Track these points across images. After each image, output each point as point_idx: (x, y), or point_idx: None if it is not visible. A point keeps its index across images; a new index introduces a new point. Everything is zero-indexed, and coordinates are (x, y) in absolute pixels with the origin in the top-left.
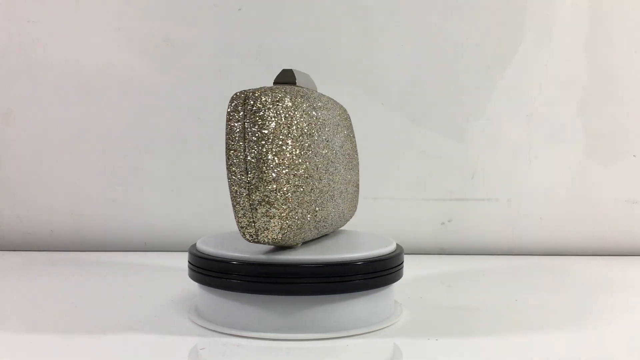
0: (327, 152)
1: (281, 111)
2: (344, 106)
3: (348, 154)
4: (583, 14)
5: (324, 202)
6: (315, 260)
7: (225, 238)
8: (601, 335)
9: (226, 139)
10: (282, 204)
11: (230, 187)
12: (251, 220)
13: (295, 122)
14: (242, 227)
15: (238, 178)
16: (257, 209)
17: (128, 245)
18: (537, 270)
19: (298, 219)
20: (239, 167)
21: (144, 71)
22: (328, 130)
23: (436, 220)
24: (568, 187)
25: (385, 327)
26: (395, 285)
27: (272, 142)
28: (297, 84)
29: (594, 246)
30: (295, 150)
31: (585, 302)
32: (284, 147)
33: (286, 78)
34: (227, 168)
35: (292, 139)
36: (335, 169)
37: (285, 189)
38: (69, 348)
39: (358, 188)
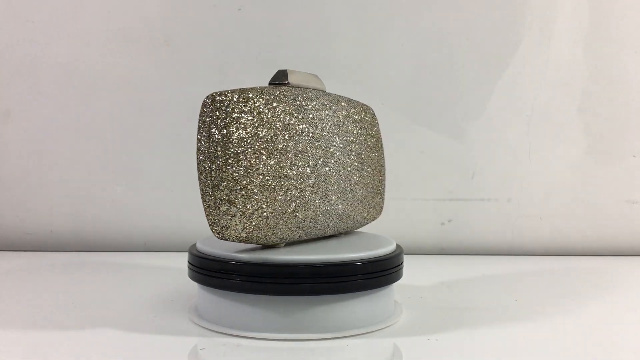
0: (316, 151)
1: (248, 112)
2: (367, 106)
3: (356, 154)
4: (583, 14)
5: (309, 202)
6: (315, 261)
7: None
8: (601, 336)
9: (196, 139)
10: (244, 203)
11: (199, 185)
12: (216, 218)
13: (266, 122)
14: (210, 224)
15: (204, 177)
16: (219, 207)
17: (128, 246)
18: (537, 270)
19: (267, 217)
20: (205, 166)
21: (144, 71)
22: (322, 130)
23: (436, 220)
24: (568, 187)
25: (385, 327)
26: (395, 285)
27: (232, 142)
28: (290, 84)
29: (594, 246)
30: (263, 151)
31: (585, 302)
32: (247, 148)
33: (279, 79)
34: (197, 167)
35: (260, 139)
36: (331, 169)
37: (248, 189)
38: (69, 348)
39: (377, 190)
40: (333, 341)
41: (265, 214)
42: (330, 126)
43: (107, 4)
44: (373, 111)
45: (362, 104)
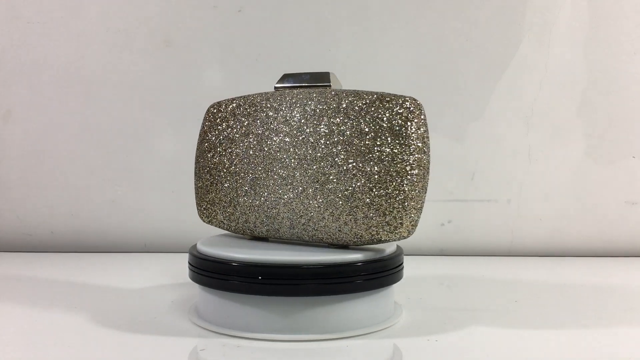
0: (261, 152)
1: (213, 119)
2: (398, 102)
3: (335, 157)
4: (583, 14)
5: (242, 202)
6: (316, 261)
7: (226, 239)
8: (601, 336)
9: None
10: (200, 194)
11: None
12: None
13: (229, 129)
14: None
15: None
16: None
17: (128, 247)
18: (537, 271)
19: (210, 206)
20: None
21: (144, 71)
22: (273, 131)
23: (436, 221)
24: (568, 188)
25: (385, 328)
26: (395, 286)
27: (203, 144)
28: (274, 87)
29: (594, 247)
30: (213, 152)
31: (585, 303)
32: (205, 150)
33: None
34: None
35: (215, 143)
36: (279, 171)
37: (202, 179)
38: (69, 349)
39: (377, 203)
40: (333, 342)
41: (208, 204)
42: (290, 129)
43: (107, 4)
44: (409, 106)
45: (389, 99)
